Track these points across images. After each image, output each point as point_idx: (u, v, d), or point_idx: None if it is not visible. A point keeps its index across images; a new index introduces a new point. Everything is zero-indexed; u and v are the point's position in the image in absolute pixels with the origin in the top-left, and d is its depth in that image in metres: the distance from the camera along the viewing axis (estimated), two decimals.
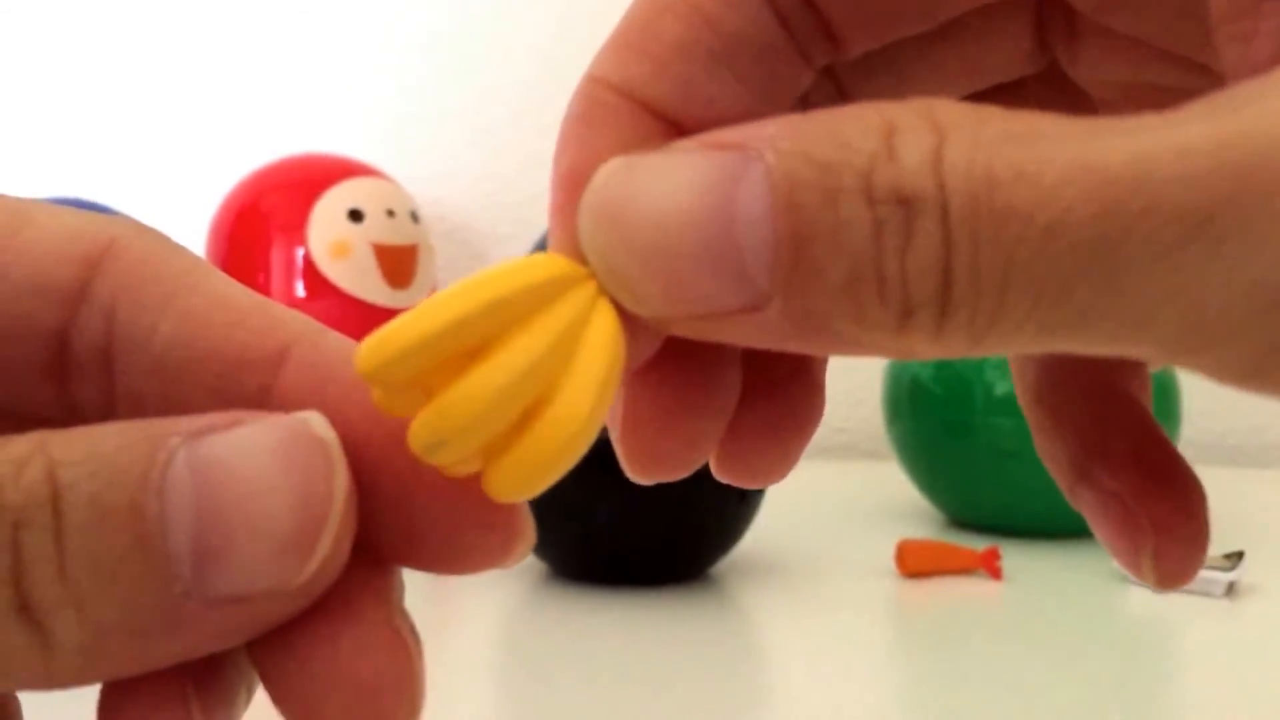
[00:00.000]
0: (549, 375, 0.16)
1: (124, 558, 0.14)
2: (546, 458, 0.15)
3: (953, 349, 0.16)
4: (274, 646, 0.16)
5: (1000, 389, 0.67)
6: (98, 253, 0.17)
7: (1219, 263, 0.14)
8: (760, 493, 0.60)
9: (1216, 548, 0.62)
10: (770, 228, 0.15)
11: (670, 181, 0.16)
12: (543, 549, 0.61)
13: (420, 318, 0.15)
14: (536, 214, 1.00)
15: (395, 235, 0.83)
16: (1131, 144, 0.15)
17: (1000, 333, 0.15)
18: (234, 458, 0.15)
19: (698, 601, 0.57)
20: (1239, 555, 0.59)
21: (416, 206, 0.87)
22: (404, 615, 0.17)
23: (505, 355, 0.15)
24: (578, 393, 0.16)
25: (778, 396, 0.21)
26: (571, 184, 0.18)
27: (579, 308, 0.16)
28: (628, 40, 0.19)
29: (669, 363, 0.19)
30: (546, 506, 0.64)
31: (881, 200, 0.15)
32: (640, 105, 0.18)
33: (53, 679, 0.14)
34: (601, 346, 0.16)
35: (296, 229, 0.81)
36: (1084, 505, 0.22)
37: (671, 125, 0.19)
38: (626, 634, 0.53)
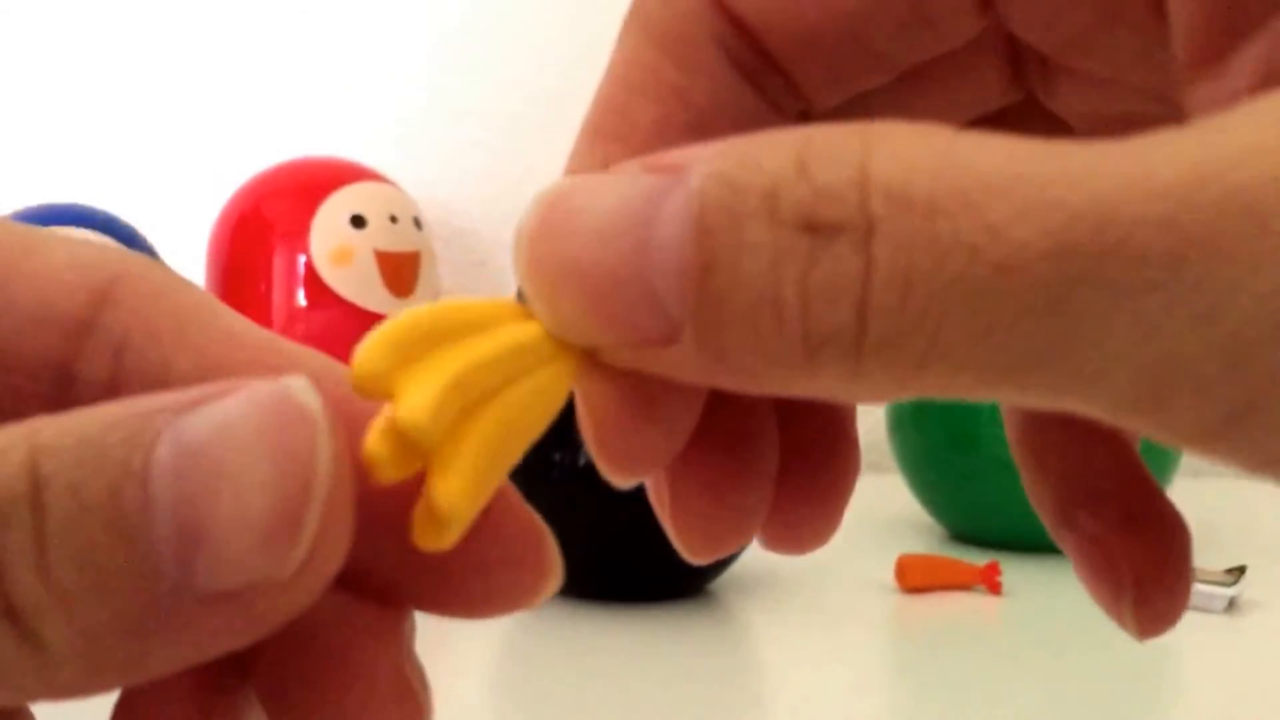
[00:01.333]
0: (500, 380, 0.16)
1: (107, 553, 0.13)
2: (483, 483, 0.15)
3: (875, 392, 0.15)
4: (282, 693, 0.16)
5: None
6: (106, 285, 0.16)
7: (1187, 311, 0.13)
8: None
9: (1218, 562, 0.62)
10: (680, 253, 0.15)
11: (600, 202, 0.15)
12: None
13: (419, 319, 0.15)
14: None
15: (398, 242, 0.83)
16: (1095, 179, 0.13)
17: (932, 378, 0.14)
18: (212, 435, 0.13)
19: (698, 617, 0.57)
20: (1240, 570, 0.59)
21: (420, 212, 0.87)
22: (415, 663, 0.17)
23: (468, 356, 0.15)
24: (524, 418, 0.16)
25: (815, 458, 0.20)
26: None
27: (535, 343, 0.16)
28: (603, 128, 0.19)
29: (707, 440, 0.19)
30: (545, 521, 0.63)
31: (784, 222, 0.14)
32: None
33: (54, 687, 0.14)
34: (554, 384, 0.16)
35: (298, 235, 0.81)
36: (1067, 548, 0.22)
37: None
38: (626, 650, 0.53)
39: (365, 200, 0.83)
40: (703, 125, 0.19)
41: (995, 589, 0.60)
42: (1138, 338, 0.13)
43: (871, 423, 1.01)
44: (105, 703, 0.17)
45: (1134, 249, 0.13)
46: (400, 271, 0.82)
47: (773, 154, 0.14)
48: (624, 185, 0.15)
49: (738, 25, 0.19)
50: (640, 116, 0.19)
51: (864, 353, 0.14)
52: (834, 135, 0.14)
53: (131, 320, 0.16)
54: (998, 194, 0.13)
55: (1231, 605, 0.57)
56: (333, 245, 0.81)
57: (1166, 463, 0.66)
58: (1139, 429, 0.14)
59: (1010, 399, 0.14)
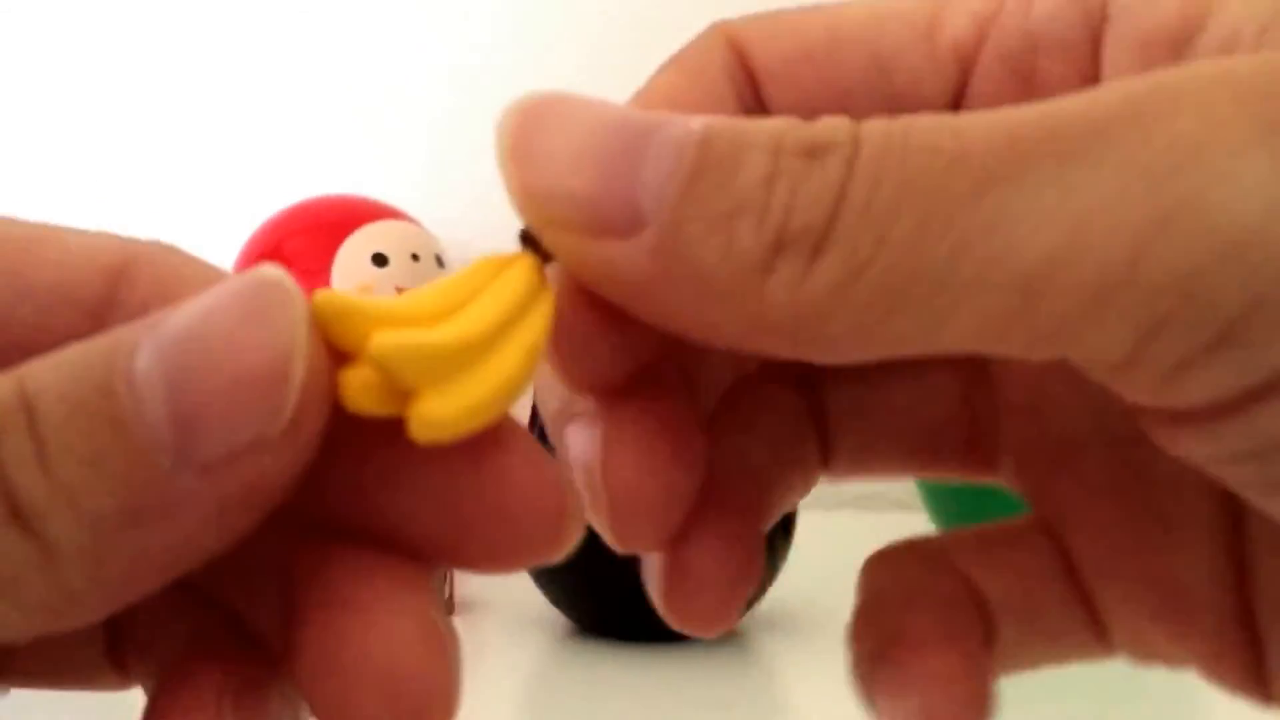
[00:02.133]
0: (493, 338, 0.17)
1: (104, 442, 0.14)
2: (478, 398, 0.16)
3: (808, 304, 0.16)
4: (307, 641, 0.16)
5: None
6: (122, 265, 0.17)
7: (1110, 175, 0.15)
8: (786, 546, 0.59)
9: None
10: (675, 157, 0.16)
11: (608, 108, 0.17)
12: (566, 604, 0.60)
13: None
14: None
15: (420, 280, 0.82)
16: (1046, 106, 0.16)
17: (866, 286, 0.16)
18: (195, 320, 0.14)
19: (724, 657, 0.56)
20: None
21: (442, 249, 0.86)
22: (440, 610, 0.17)
23: (458, 319, 0.17)
24: (514, 351, 0.17)
25: (724, 539, 0.21)
26: None
27: (523, 285, 0.18)
28: None
29: (645, 405, 0.20)
30: (569, 560, 0.63)
31: (787, 152, 0.16)
32: None
33: (60, 596, 0.14)
34: (538, 318, 0.17)
35: (320, 273, 0.80)
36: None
37: None
38: (652, 691, 0.52)
39: (387, 238, 0.83)
40: None
41: None
42: (1068, 212, 0.15)
43: None
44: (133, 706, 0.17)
45: (1069, 129, 0.16)
46: None
47: (776, 122, 0.17)
48: (632, 109, 0.17)
49: (749, 72, 0.21)
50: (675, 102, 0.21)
51: (820, 254, 0.16)
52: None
53: (150, 295, 0.17)
54: (966, 125, 0.16)
55: None
56: (354, 283, 0.80)
57: None
58: (1059, 344, 0.16)
59: (932, 316, 0.16)
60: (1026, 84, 0.21)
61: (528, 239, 0.18)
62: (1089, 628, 0.22)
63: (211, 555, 0.15)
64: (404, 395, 0.16)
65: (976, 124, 0.16)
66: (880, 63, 0.21)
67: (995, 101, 0.20)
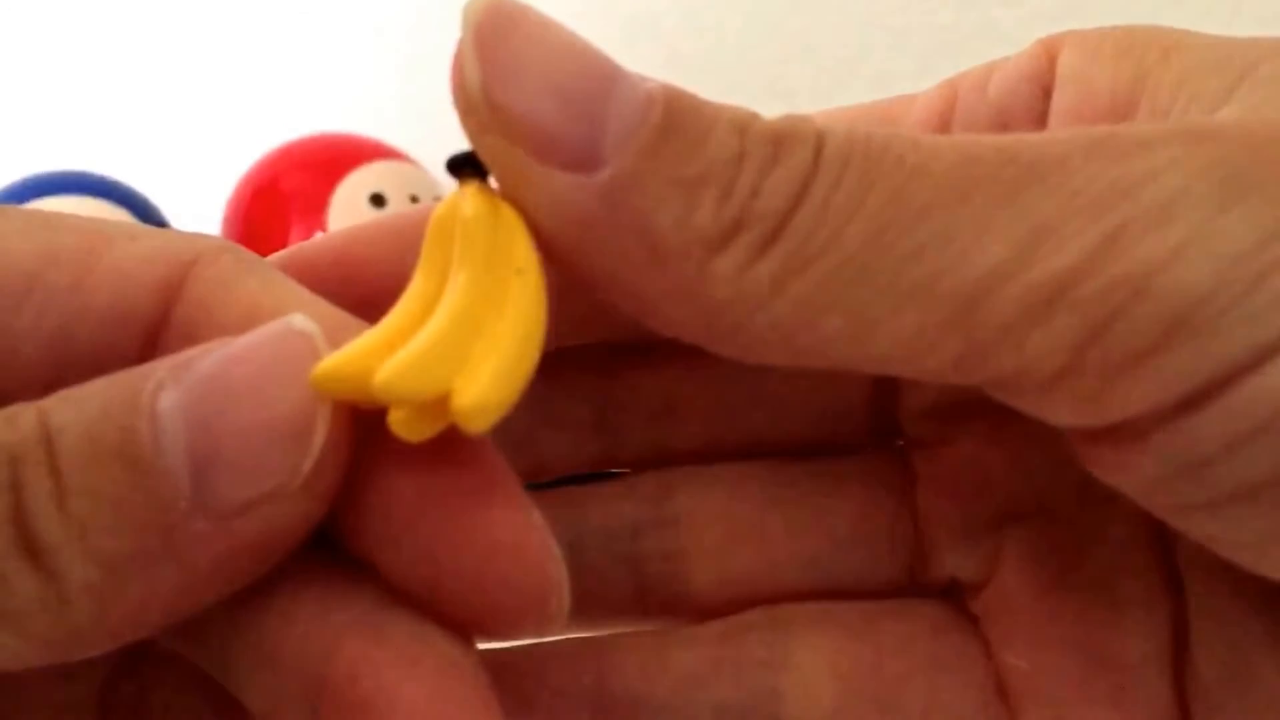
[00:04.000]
0: (486, 293, 0.16)
1: (122, 482, 0.14)
2: (502, 360, 0.16)
3: (749, 289, 0.16)
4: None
5: None
6: (179, 277, 0.17)
7: (1065, 199, 0.16)
8: None
9: None
10: (644, 108, 0.16)
11: (580, 40, 0.17)
12: None
13: (429, 341, 0.15)
14: None
15: None
16: (1006, 137, 0.17)
17: (809, 281, 0.16)
18: (221, 365, 0.14)
19: None
20: None
21: (441, 192, 0.85)
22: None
23: (450, 300, 0.16)
24: (522, 308, 0.16)
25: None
26: None
27: (484, 220, 0.17)
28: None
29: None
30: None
31: (754, 136, 0.16)
32: None
33: (67, 630, 0.14)
34: (520, 246, 0.17)
35: (316, 212, 0.79)
36: None
37: None
38: None
39: (386, 178, 0.82)
40: None
41: None
42: (1011, 218, 0.16)
43: None
44: None
45: (1026, 156, 0.16)
46: None
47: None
48: (591, 45, 0.17)
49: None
50: None
51: (774, 242, 0.16)
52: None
53: (199, 314, 0.17)
54: (928, 139, 0.17)
55: None
56: (351, 223, 0.79)
57: None
58: (978, 365, 0.16)
59: (858, 331, 0.16)
60: None
61: (462, 163, 0.18)
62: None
63: (220, 599, 0.15)
64: (442, 402, 0.15)
65: (939, 142, 0.17)
66: None
67: None
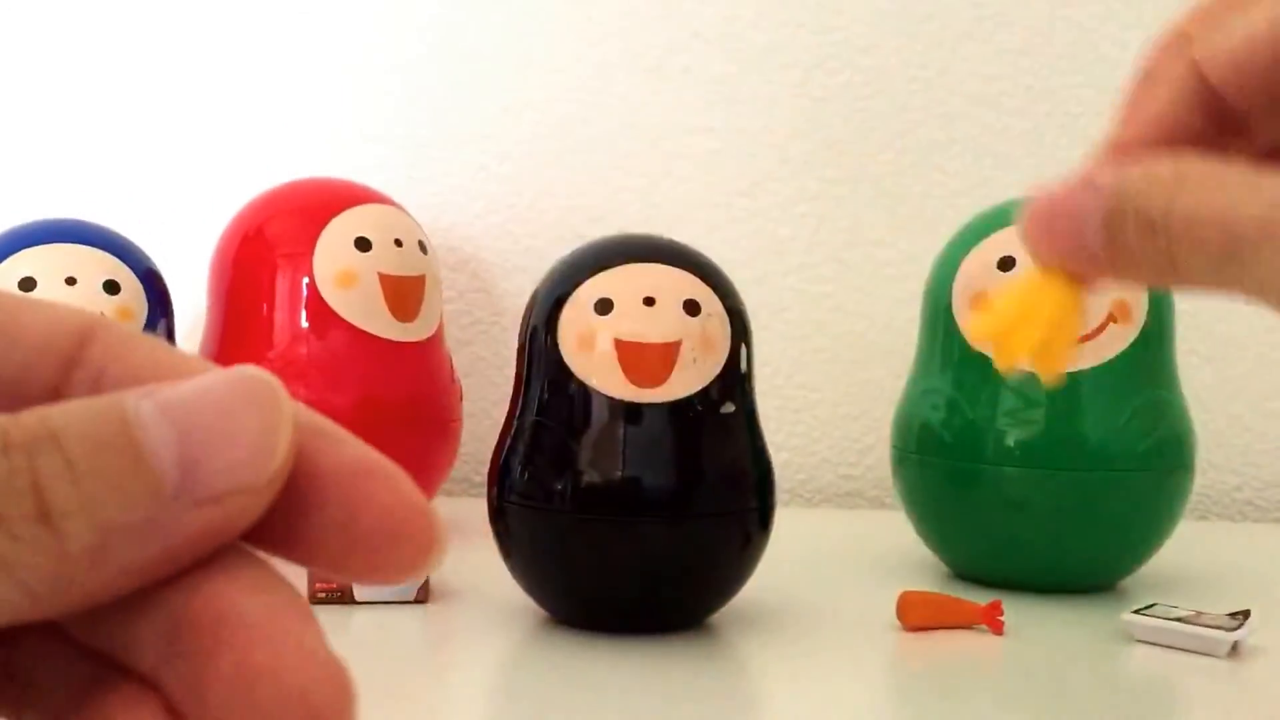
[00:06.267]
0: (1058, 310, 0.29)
1: (123, 471, 0.17)
2: (1061, 342, 0.29)
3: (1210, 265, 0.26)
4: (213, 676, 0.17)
5: (1011, 438, 0.66)
6: (87, 329, 0.20)
7: None
8: (763, 541, 0.59)
9: (1222, 605, 0.62)
10: (1096, 224, 0.28)
11: (1057, 197, 0.29)
12: (541, 595, 0.60)
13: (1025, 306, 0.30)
14: (548, 245, 0.99)
15: (403, 265, 0.82)
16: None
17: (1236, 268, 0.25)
18: (195, 394, 0.18)
19: (696, 651, 0.57)
20: (1245, 614, 0.58)
21: (425, 236, 0.86)
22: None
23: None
24: (1060, 314, 0.29)
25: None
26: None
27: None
28: (1120, 111, 0.30)
29: None
30: (546, 551, 0.63)
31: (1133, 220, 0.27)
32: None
33: (59, 580, 0.17)
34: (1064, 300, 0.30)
35: (302, 257, 0.80)
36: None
37: None
38: (623, 683, 0.52)
39: (370, 223, 0.83)
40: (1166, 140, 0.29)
41: (998, 629, 0.59)
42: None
43: (874, 459, 1.00)
44: None
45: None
46: (404, 295, 0.81)
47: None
48: (1072, 189, 0.28)
49: (1207, 85, 0.29)
50: (1140, 113, 0.29)
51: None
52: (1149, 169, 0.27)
53: (106, 355, 0.20)
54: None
55: (1235, 650, 0.57)
56: (337, 267, 0.80)
57: (1174, 506, 0.66)
58: None
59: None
60: None
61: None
62: None
63: (180, 571, 0.18)
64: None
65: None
66: None
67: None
